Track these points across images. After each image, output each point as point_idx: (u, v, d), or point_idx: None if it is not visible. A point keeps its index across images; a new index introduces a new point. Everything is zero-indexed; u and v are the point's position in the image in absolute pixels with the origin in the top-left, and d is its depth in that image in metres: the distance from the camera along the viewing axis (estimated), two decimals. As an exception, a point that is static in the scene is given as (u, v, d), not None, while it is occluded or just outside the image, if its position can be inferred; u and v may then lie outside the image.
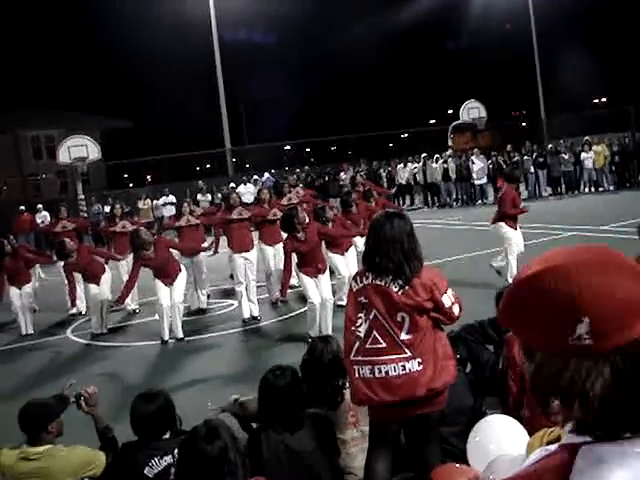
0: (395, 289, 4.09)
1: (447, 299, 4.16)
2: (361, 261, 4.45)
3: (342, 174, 27.32)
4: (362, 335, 4.15)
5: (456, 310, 4.22)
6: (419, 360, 4.06)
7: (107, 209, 21.98)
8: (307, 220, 10.37)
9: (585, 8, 48.96)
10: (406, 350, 4.06)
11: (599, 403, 1.14)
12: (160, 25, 44.18)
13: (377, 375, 4.09)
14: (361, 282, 4.24)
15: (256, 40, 59.89)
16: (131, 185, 40.33)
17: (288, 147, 41.97)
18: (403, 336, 4.07)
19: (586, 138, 26.59)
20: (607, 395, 1.14)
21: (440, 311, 4.16)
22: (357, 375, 4.17)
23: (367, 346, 4.13)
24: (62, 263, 11.49)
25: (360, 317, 4.18)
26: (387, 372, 4.08)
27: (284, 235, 10.71)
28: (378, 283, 4.14)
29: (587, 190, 25.36)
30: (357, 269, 10.14)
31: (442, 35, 63.07)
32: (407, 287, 4.08)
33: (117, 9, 50.55)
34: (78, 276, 11.59)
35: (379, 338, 4.10)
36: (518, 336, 1.29)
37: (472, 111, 27.33)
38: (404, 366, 4.05)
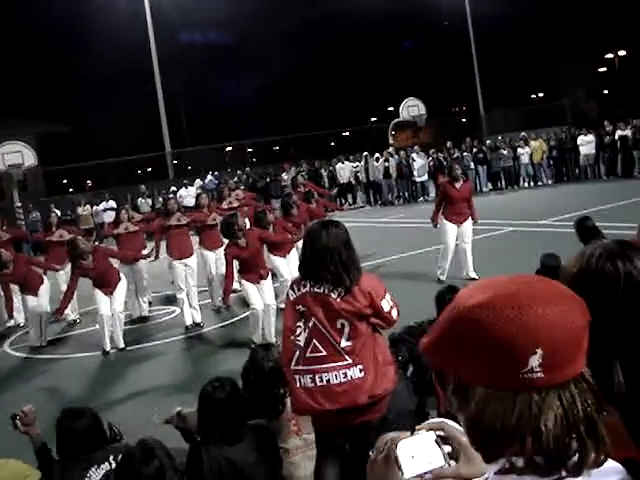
0: (334, 296, 4.06)
1: (386, 303, 4.16)
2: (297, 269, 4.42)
3: (284, 174, 27.24)
4: (302, 344, 4.12)
5: (394, 314, 4.22)
6: (360, 367, 4.06)
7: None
8: (248, 224, 10.34)
9: (522, 4, 49.72)
10: (347, 357, 4.05)
11: (553, 439, 1.08)
12: (96, 25, 43.59)
13: (319, 384, 4.07)
14: (299, 290, 4.20)
15: (195, 39, 59.55)
16: (71, 190, 39.60)
17: (230, 148, 41.74)
18: (343, 343, 4.05)
19: (522, 134, 27.07)
20: (559, 431, 1.09)
21: (379, 316, 4.15)
22: (298, 385, 4.13)
23: (307, 355, 4.10)
24: (-2, 274, 11.18)
25: (299, 326, 4.14)
26: (328, 380, 4.06)
27: (225, 239, 10.65)
28: (317, 291, 4.11)
29: (526, 185, 25.81)
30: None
31: (381, 33, 63.37)
32: (347, 294, 4.06)
33: (53, 10, 49.70)
34: (15, 287, 11.34)
35: (319, 346, 4.08)
36: (450, 371, 1.19)
37: (412, 109, 27.54)
38: (345, 373, 4.05)
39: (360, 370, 4.05)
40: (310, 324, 4.10)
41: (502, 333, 1.08)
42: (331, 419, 4.16)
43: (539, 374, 1.07)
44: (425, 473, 1.19)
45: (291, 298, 4.24)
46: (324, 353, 4.06)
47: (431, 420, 1.34)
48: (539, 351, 1.07)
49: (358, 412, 4.11)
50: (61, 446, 3.99)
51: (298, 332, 4.14)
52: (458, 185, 11.16)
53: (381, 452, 1.28)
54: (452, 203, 11.17)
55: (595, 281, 1.53)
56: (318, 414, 4.18)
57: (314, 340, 4.09)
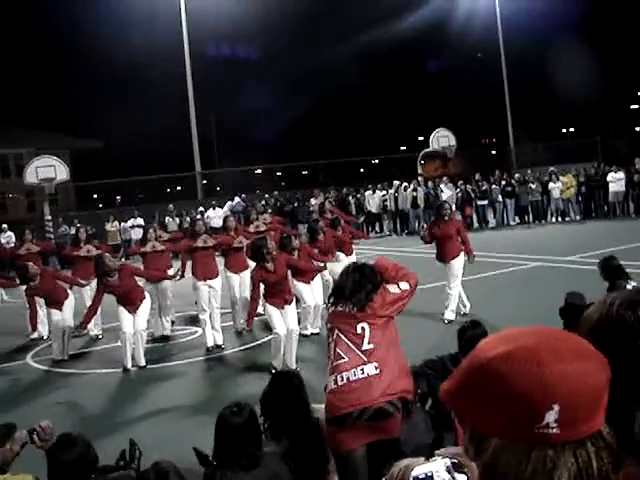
0: (353, 310, 4.64)
1: (394, 289, 4.80)
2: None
3: (312, 200, 27.32)
4: (332, 356, 4.58)
5: (405, 286, 4.84)
6: (375, 365, 4.44)
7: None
8: (275, 249, 10.36)
9: (554, 38, 49.82)
10: (364, 357, 4.47)
11: None
12: (133, 45, 44.28)
13: (340, 383, 4.45)
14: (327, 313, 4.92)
15: (229, 63, 60.21)
16: (100, 206, 40.02)
17: (259, 171, 41.99)
18: (365, 346, 4.49)
19: (552, 169, 26.97)
20: None
21: (397, 301, 4.76)
22: (327, 390, 4.54)
23: (334, 364, 4.53)
24: (24, 287, 11.31)
25: (330, 342, 4.66)
26: (348, 378, 4.44)
27: (250, 262, 10.68)
28: (339, 308, 4.71)
29: (554, 220, 25.66)
30: (322, 297, 10.16)
31: (414, 63, 63.71)
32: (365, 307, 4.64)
33: (90, 28, 50.55)
34: (41, 300, 11.46)
35: (341, 353, 4.51)
36: (468, 419, 1.18)
37: (442, 139, 27.57)
38: (363, 369, 4.43)
39: (375, 367, 4.43)
40: (334, 336, 4.62)
41: (520, 386, 1.07)
42: (342, 436, 4.39)
43: (555, 430, 1.06)
44: None
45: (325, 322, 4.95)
46: (346, 359, 4.49)
47: (449, 448, 1.34)
48: (556, 407, 1.06)
49: (370, 429, 4.37)
50: (50, 477, 3.92)
51: (330, 347, 4.64)
52: (442, 224, 10.96)
53: (395, 478, 1.30)
54: (438, 242, 11.03)
55: (616, 329, 1.52)
56: (333, 428, 4.44)
57: (337, 348, 4.55)
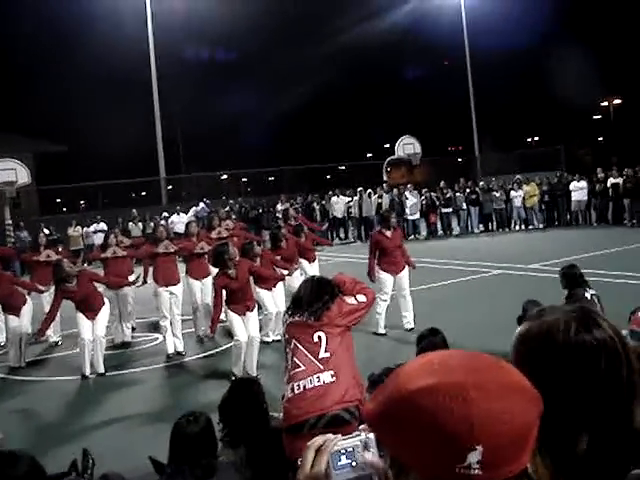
0: (310, 319, 4.73)
1: (351, 300, 4.92)
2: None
3: (278, 206, 27.27)
4: (289, 365, 4.65)
5: (362, 298, 4.96)
6: (331, 373, 4.51)
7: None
8: (237, 255, 10.29)
9: (520, 47, 50.38)
10: (321, 365, 4.54)
11: None
12: (99, 47, 43.90)
13: (296, 392, 4.50)
14: (284, 324, 5.00)
15: (197, 66, 60.00)
16: (64, 210, 39.55)
17: (224, 177, 41.82)
18: (321, 354, 4.56)
19: (518, 177, 27.27)
20: None
21: (353, 312, 4.86)
22: (283, 400, 4.61)
23: (291, 373, 4.60)
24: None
25: (287, 352, 4.74)
26: (304, 386, 4.50)
27: (212, 268, 10.60)
28: (297, 318, 4.79)
29: (517, 228, 25.90)
30: (284, 304, 10.10)
31: (381, 71, 63.96)
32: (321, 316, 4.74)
33: (52, 26, 50.04)
34: (-2, 306, 11.27)
35: (298, 362, 4.59)
36: (389, 449, 1.13)
37: (407, 147, 27.65)
38: (319, 377, 4.50)
39: (331, 375, 4.49)
40: (292, 345, 4.68)
41: (443, 424, 1.02)
42: (303, 444, 4.17)
43: (477, 471, 1.01)
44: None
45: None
46: (303, 368, 4.55)
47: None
48: (479, 448, 1.01)
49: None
50: None
51: (287, 357, 4.71)
52: (389, 233, 10.83)
53: (315, 446, 1.25)
54: (386, 253, 10.74)
55: (577, 355, 1.47)
56: (290, 430, 4.45)
57: (295, 358, 4.61)
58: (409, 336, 10.15)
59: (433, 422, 1.02)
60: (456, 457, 1.01)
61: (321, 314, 4.73)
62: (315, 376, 4.50)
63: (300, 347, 4.64)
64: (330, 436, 1.26)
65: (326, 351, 4.59)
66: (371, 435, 1.21)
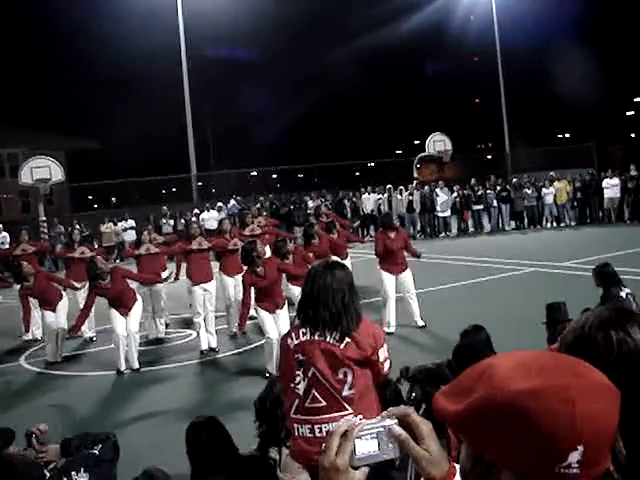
0: (337, 344, 3.91)
1: (382, 353, 4.01)
2: (296, 312, 4.19)
3: (309, 202, 27.30)
4: (301, 393, 3.98)
5: (386, 366, 4.06)
6: (360, 417, 3.95)
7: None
8: (268, 252, 10.32)
9: (552, 43, 49.95)
10: (347, 407, 3.90)
11: None
12: (131, 46, 44.22)
13: (317, 434, 3.94)
14: (297, 338, 4.03)
15: (227, 65, 60.17)
16: (95, 207, 39.95)
17: (254, 173, 41.95)
18: (345, 392, 3.90)
19: (551, 173, 27.03)
20: None
21: (374, 365, 4.01)
22: (297, 434, 4.02)
23: (306, 405, 3.97)
24: (18, 287, 11.29)
25: (298, 374, 3.99)
26: (328, 431, 3.77)
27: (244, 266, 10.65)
28: (317, 339, 3.95)
29: (549, 225, 25.69)
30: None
31: (411, 67, 63.74)
32: (349, 340, 3.91)
33: (87, 30, 50.52)
34: (35, 302, 11.44)
35: (318, 397, 3.94)
36: (477, 448, 1.13)
37: (438, 144, 27.55)
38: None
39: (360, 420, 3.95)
40: (309, 374, 3.95)
41: (547, 425, 1.03)
42: None
43: (575, 470, 1.04)
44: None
45: (291, 346, 4.05)
46: (324, 404, 3.92)
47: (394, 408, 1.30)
48: (580, 448, 1.03)
49: None
50: None
51: (297, 380, 3.98)
52: (392, 234, 10.85)
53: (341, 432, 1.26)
54: (387, 253, 10.79)
55: (588, 351, 1.49)
56: (314, 467, 4.04)
57: (313, 390, 3.94)
58: (415, 335, 10.30)
59: (537, 424, 1.04)
60: (558, 457, 1.04)
61: (346, 333, 3.93)
62: (338, 415, 3.79)
63: (321, 379, 3.91)
64: (355, 421, 1.28)
65: (351, 388, 3.90)
66: (394, 420, 1.23)
